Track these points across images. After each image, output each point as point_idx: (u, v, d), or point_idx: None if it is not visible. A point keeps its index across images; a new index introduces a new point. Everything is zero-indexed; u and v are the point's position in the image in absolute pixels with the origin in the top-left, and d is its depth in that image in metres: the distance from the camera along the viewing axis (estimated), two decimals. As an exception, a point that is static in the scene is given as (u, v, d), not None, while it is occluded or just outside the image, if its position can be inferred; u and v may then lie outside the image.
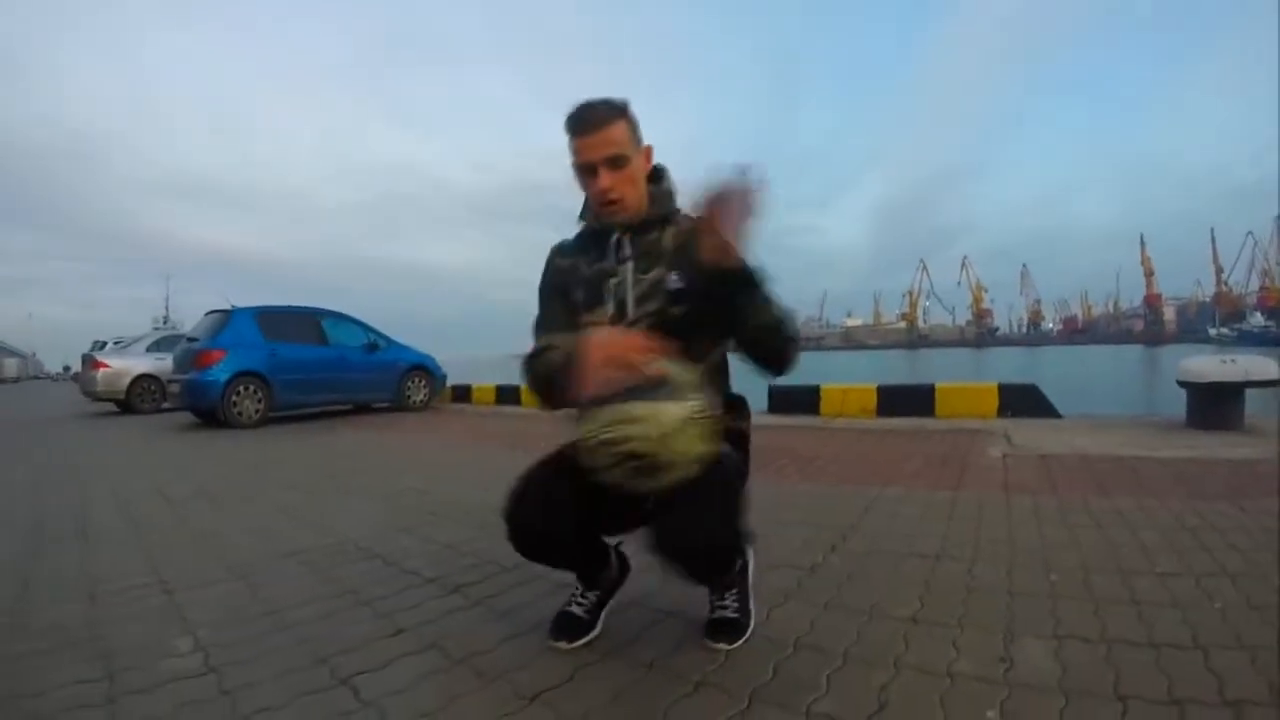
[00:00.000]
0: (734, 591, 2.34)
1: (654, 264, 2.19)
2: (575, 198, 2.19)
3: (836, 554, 3.09)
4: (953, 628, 2.27)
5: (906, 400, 8.96)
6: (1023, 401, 8.37)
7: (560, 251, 2.34)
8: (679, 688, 1.93)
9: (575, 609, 2.37)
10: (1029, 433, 6.74)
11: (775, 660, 2.07)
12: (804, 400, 9.55)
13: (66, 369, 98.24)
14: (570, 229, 2.34)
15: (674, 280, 2.16)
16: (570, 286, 2.27)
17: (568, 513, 2.08)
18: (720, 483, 1.99)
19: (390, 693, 2.03)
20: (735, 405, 2.32)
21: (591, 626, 2.34)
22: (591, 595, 2.41)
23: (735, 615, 2.30)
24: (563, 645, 2.28)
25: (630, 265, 2.20)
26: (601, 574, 2.42)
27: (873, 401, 9.14)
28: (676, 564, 1.99)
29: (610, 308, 2.19)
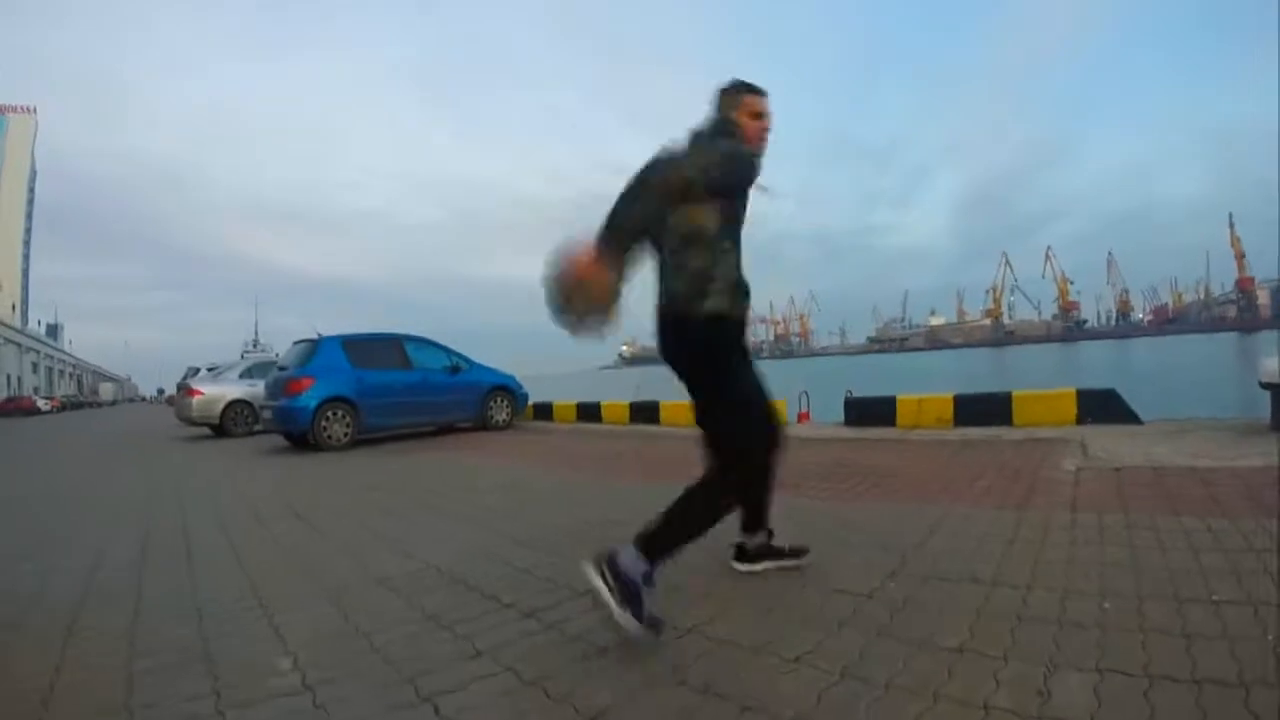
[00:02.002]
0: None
1: None
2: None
3: (894, 580, 3.15)
4: (997, 659, 2.31)
5: (983, 409, 8.92)
6: (1102, 407, 8.26)
7: None
8: (727, 711, 2.07)
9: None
10: (1105, 441, 6.67)
11: (821, 688, 2.17)
12: (880, 412, 9.55)
13: (160, 392, 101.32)
14: None
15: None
16: None
17: None
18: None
19: (466, 709, 2.23)
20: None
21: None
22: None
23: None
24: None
25: None
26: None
27: (949, 411, 9.09)
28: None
29: None
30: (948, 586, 3.04)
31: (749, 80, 3.11)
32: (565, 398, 15.84)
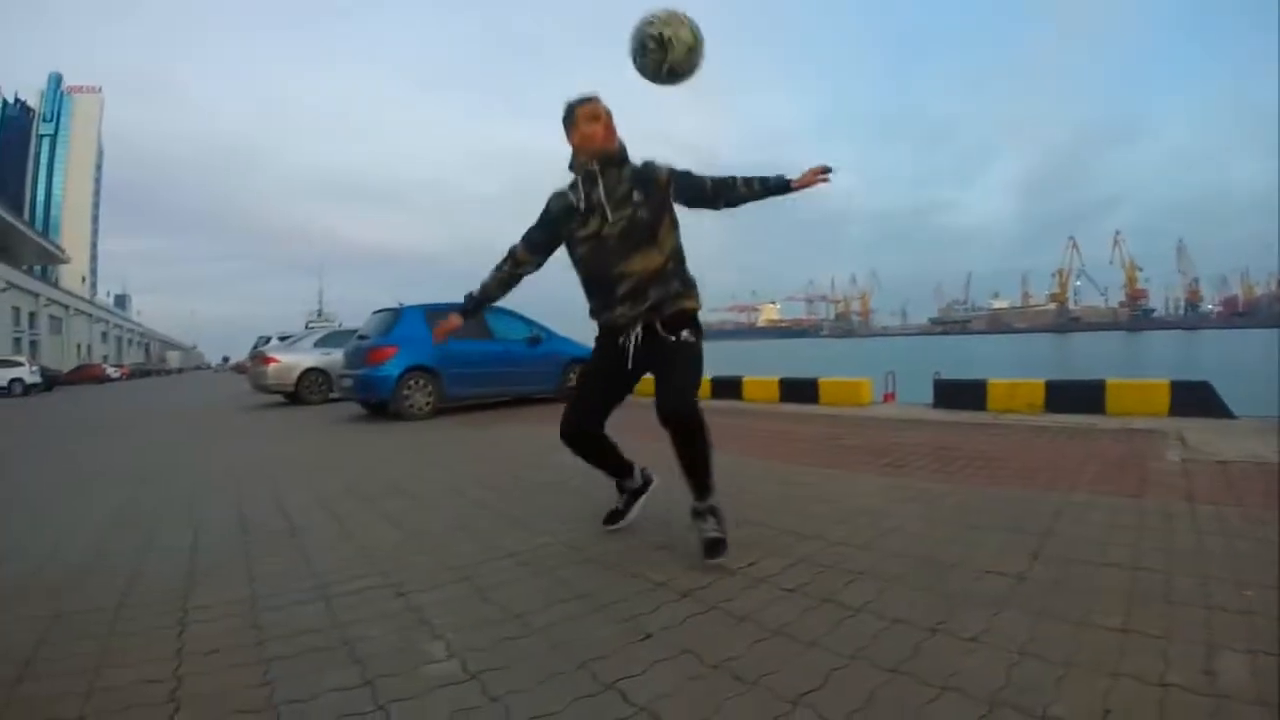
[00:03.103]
0: (713, 518, 3.41)
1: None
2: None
3: (1039, 562, 3.17)
4: (1160, 639, 2.36)
5: (1075, 396, 8.83)
6: (1195, 399, 8.17)
7: None
8: (927, 691, 2.08)
9: (618, 505, 4.03)
10: (1203, 435, 6.60)
11: (1007, 666, 2.21)
12: (970, 395, 9.51)
13: (225, 359, 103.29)
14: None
15: (637, 196, 3.43)
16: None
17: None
18: (690, 361, 3.47)
19: (659, 696, 2.13)
20: (691, 287, 3.59)
21: (624, 515, 4.01)
22: (623, 496, 4.03)
23: (720, 535, 3.36)
24: (607, 527, 3.98)
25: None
26: (625, 481, 4.00)
27: (1040, 397, 9.02)
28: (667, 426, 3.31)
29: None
30: (1091, 570, 3.07)
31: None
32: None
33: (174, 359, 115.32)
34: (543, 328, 13.19)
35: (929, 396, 10.30)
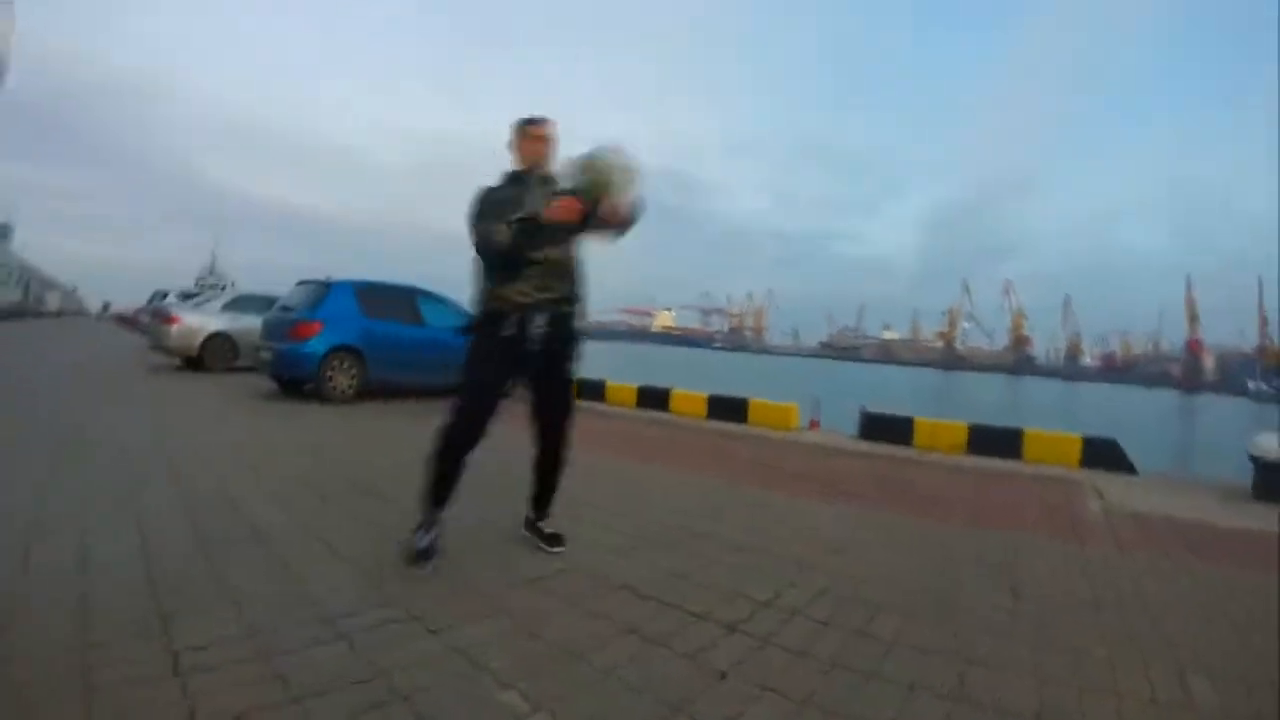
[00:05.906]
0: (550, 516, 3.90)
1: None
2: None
3: (1022, 602, 3.58)
4: (1141, 665, 2.91)
5: (995, 441, 9.53)
6: (1103, 454, 8.94)
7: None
8: (988, 716, 2.42)
9: (425, 543, 3.45)
10: (1115, 489, 7.26)
11: (1041, 694, 2.60)
12: (897, 430, 10.06)
13: (106, 306, 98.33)
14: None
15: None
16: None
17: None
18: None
19: None
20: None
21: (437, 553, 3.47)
22: (431, 531, 3.48)
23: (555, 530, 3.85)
24: (418, 566, 3.39)
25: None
26: (438, 511, 3.52)
27: (963, 438, 9.66)
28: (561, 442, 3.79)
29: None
30: (1066, 609, 3.55)
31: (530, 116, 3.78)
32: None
33: (53, 300, 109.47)
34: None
35: (846, 426, 10.85)
